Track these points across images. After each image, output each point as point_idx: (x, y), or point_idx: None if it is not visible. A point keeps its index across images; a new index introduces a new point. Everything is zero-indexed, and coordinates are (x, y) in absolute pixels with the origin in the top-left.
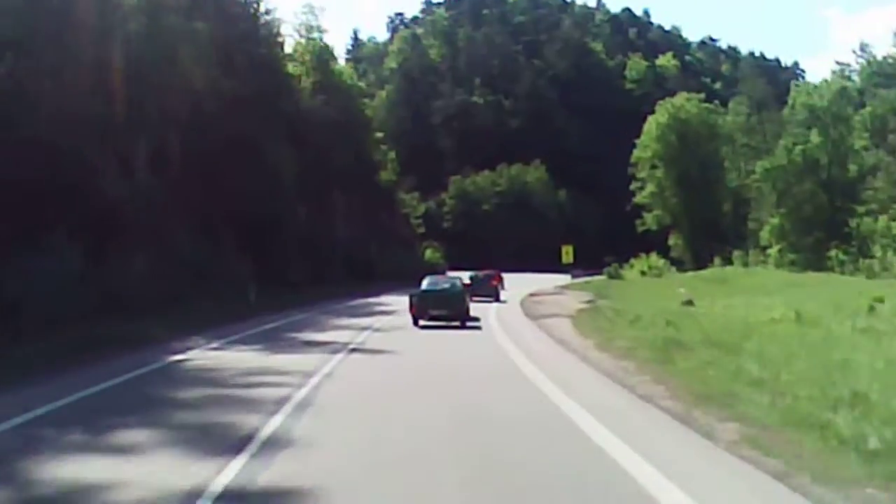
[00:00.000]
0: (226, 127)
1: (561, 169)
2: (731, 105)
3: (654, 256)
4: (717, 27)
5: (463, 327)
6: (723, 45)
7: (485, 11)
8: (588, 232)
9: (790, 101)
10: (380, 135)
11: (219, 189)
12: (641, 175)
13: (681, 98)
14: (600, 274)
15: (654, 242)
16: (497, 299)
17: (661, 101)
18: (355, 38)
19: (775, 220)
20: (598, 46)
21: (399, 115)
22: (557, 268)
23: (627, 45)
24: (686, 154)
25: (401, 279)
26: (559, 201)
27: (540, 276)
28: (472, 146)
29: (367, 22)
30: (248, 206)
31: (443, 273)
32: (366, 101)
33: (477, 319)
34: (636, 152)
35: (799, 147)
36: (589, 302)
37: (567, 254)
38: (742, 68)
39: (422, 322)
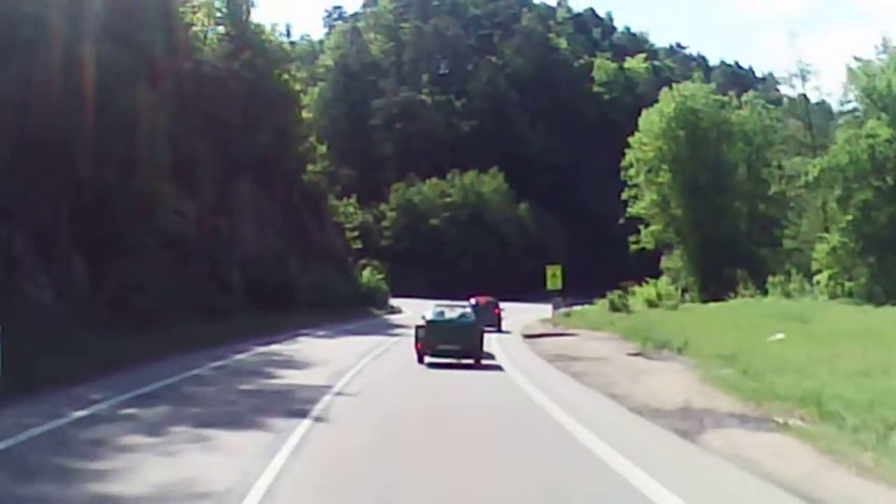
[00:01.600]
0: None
1: (521, 179)
2: (745, 98)
3: (663, 282)
4: (682, 36)
5: (477, 365)
6: (692, 52)
7: (435, 2)
8: (552, 252)
9: (844, 89)
10: (308, 115)
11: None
12: (637, 180)
13: (691, 86)
14: (586, 303)
15: (638, 266)
16: (499, 329)
17: (666, 89)
18: (287, 36)
19: (833, 238)
20: (562, 43)
21: (333, 114)
22: (523, 295)
23: (593, 45)
24: (697, 155)
25: (330, 309)
26: (520, 216)
27: (509, 306)
28: (418, 151)
29: (301, 20)
30: (70, 184)
31: (384, 300)
32: (292, 69)
33: (492, 357)
34: (630, 153)
35: (865, 141)
36: (637, 354)
37: (554, 277)
38: (715, 77)
39: (427, 360)
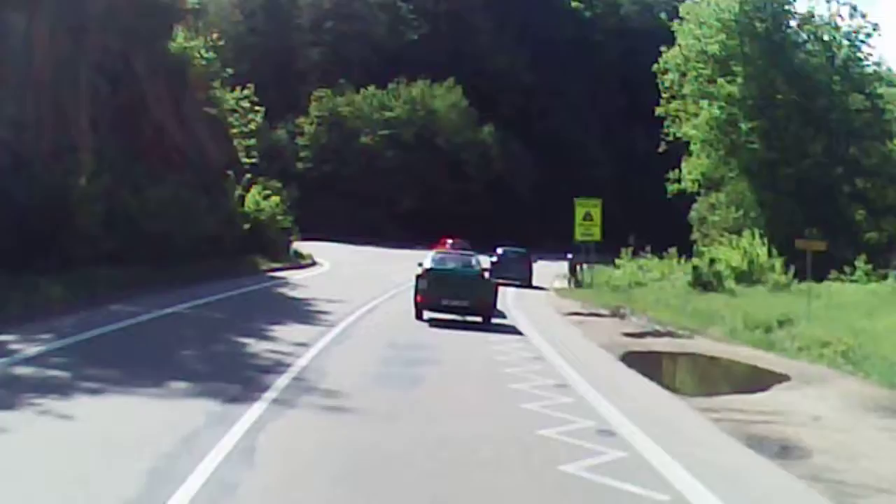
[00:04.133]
0: None
1: (483, 100)
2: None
3: (749, 239)
4: None
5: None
6: None
7: None
8: (520, 191)
9: None
10: None
11: None
12: (686, 90)
13: None
14: (600, 261)
15: (632, 214)
16: (529, 283)
17: None
18: None
19: None
20: None
21: (248, 8)
22: (484, 245)
23: None
24: (774, 61)
25: (170, 258)
26: (482, 141)
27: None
28: (353, 60)
29: None
30: None
31: (288, 243)
32: None
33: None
34: (672, 53)
35: None
36: None
37: (589, 221)
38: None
39: (427, 314)
